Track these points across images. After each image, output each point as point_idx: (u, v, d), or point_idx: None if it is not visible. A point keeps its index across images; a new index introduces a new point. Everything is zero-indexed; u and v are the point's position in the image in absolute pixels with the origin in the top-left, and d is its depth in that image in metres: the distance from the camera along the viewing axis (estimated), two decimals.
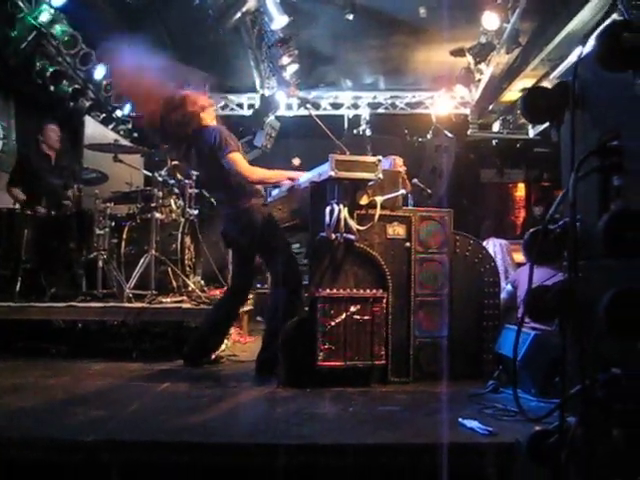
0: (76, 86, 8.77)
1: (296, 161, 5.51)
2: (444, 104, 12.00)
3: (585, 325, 1.78)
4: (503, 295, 4.84)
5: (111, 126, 10.14)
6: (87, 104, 9.18)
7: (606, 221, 1.54)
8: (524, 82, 10.28)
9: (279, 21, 8.97)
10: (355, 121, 11.92)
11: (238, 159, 4.62)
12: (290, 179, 4.83)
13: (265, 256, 4.91)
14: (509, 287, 4.96)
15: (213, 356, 5.11)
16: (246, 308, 6.52)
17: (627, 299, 1.52)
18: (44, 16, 7.46)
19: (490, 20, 8.85)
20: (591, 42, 1.67)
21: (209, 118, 4.87)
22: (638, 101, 1.64)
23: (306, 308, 4.39)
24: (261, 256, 4.99)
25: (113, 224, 6.30)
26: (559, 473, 1.86)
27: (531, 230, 2.11)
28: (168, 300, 5.91)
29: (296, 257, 4.98)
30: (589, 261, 1.95)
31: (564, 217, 2.02)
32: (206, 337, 5.05)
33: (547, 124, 2.25)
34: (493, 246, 5.37)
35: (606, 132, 1.86)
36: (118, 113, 10.15)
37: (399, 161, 7.25)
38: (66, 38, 7.96)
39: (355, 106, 12.15)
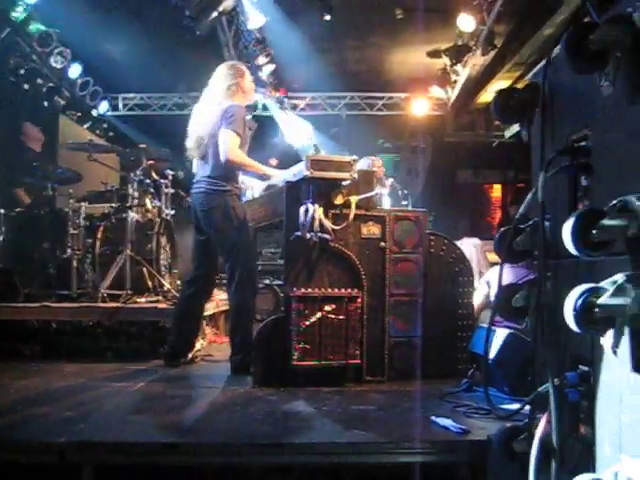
0: (50, 84, 8.69)
1: (273, 161, 5.53)
2: (421, 105, 12.05)
3: (554, 323, 1.80)
4: (477, 294, 4.88)
5: (87, 125, 10.07)
6: (62, 103, 9.10)
7: (573, 220, 1.56)
8: (500, 83, 10.38)
9: (255, 21, 8.97)
10: (332, 121, 11.94)
11: (231, 137, 4.59)
12: (266, 175, 4.86)
13: (230, 249, 4.72)
14: (483, 286, 5.00)
15: (190, 355, 5.09)
16: (222, 308, 6.51)
17: (593, 297, 1.55)
18: (18, 13, 7.38)
19: (466, 22, 8.92)
20: (560, 44, 1.69)
21: (242, 100, 4.92)
22: (604, 102, 1.67)
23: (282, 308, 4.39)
24: (227, 247, 4.75)
25: (88, 224, 6.23)
26: (529, 469, 1.88)
27: (501, 229, 2.14)
28: (143, 300, 5.87)
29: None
30: (558, 260, 1.97)
31: (534, 216, 2.05)
32: (180, 336, 5.02)
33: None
34: (467, 246, 5.40)
35: (574, 132, 1.88)
36: (94, 112, 10.09)
37: (377, 162, 7.29)
38: (41, 36, 7.89)
39: (332, 107, 12.17)
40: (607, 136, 1.69)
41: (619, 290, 1.56)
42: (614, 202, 1.57)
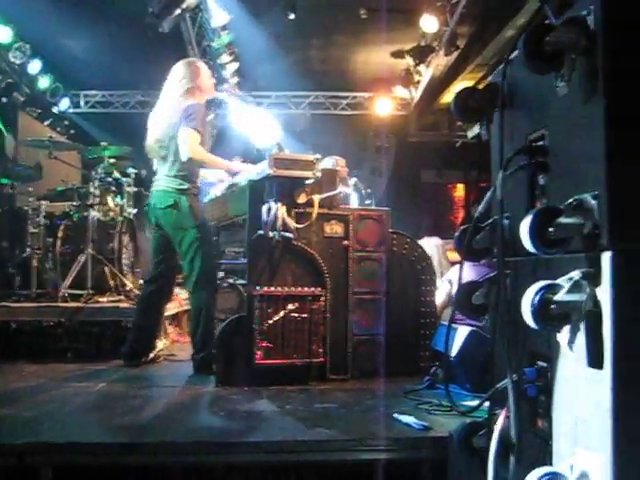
0: (9, 80, 8.54)
1: (237, 160, 5.51)
2: (384, 105, 12.10)
3: (513, 320, 1.83)
4: (439, 292, 4.92)
5: (47, 122, 9.91)
6: (21, 99, 8.95)
7: (530, 219, 1.59)
8: (463, 84, 10.46)
9: (219, 19, 8.92)
10: (296, 121, 11.93)
11: (192, 136, 4.57)
12: (230, 171, 4.86)
13: (189, 247, 4.68)
14: (445, 285, 5.04)
15: (151, 355, 5.05)
16: (185, 307, 6.47)
17: (550, 293, 1.57)
18: None
19: (429, 23, 8.98)
20: (518, 46, 1.72)
21: (200, 97, 4.88)
22: (561, 102, 1.70)
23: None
24: (186, 246, 4.70)
25: (48, 222, 6.15)
26: (488, 464, 1.90)
27: (461, 227, 2.16)
28: (105, 300, 5.82)
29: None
30: (517, 257, 2.00)
31: (493, 215, 2.07)
32: (140, 336, 4.98)
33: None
34: (428, 246, 5.45)
35: (532, 132, 1.91)
36: (54, 109, 9.94)
37: (341, 162, 7.31)
38: None
39: (296, 105, 12.16)
40: (563, 135, 1.72)
41: (575, 287, 1.59)
42: (570, 200, 1.60)
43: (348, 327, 4.45)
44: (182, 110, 4.63)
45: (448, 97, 11.37)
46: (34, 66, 8.84)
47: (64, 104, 10.45)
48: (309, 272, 4.35)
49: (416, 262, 4.74)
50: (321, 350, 4.30)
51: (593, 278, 1.56)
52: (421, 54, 9.92)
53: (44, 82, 9.39)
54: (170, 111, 4.74)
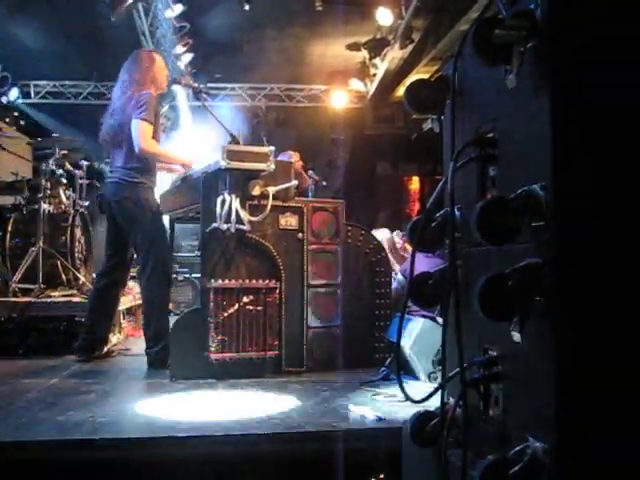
0: None
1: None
2: (340, 98, 12.12)
3: (464, 310, 1.85)
4: (394, 284, 4.96)
5: None
6: None
7: (479, 209, 1.60)
8: (417, 77, 10.52)
9: (173, 9, 8.82)
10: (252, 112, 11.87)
11: (144, 128, 4.52)
12: (184, 164, 4.83)
13: (143, 240, 4.65)
14: (399, 276, 5.09)
15: (105, 349, 4.99)
16: (140, 301, 6.40)
17: (499, 284, 1.59)
18: None
19: (384, 16, 9.03)
20: (468, 38, 1.73)
21: (153, 88, 4.79)
22: (510, 95, 1.72)
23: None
24: (140, 238, 4.67)
25: None
26: (440, 453, 1.92)
27: (413, 219, 2.17)
28: (57, 294, 5.73)
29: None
30: (468, 248, 2.02)
31: (445, 206, 2.09)
32: (93, 329, 4.90)
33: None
34: (382, 236, 5.48)
35: (483, 124, 1.93)
36: (3, 99, 9.71)
37: (296, 157, 7.33)
38: None
39: (252, 97, 12.10)
40: (512, 127, 1.74)
41: (524, 277, 1.61)
42: (519, 191, 1.62)
43: (304, 319, 4.45)
44: (134, 100, 4.57)
45: (403, 90, 11.41)
46: None
47: (13, 94, 10.23)
48: (264, 265, 4.34)
49: (371, 254, 4.76)
50: (276, 343, 4.30)
51: (541, 268, 1.58)
52: (377, 47, 9.97)
53: None
54: (123, 101, 4.68)
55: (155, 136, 4.63)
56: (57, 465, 2.74)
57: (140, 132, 4.50)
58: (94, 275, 6.51)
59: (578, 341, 1.52)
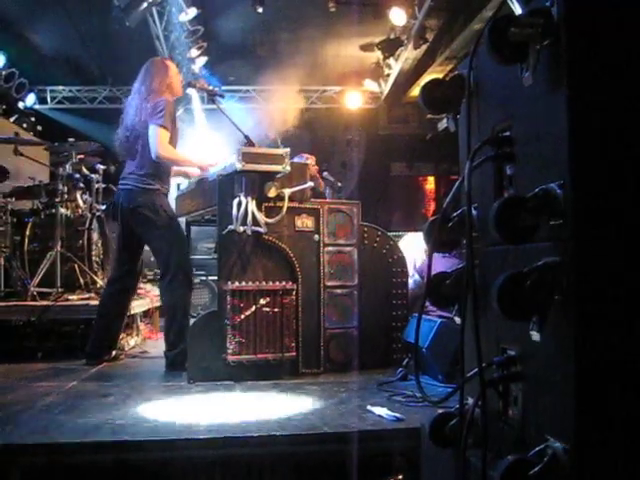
0: None
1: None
2: (354, 98, 12.11)
3: (482, 310, 1.84)
4: (411, 285, 4.94)
5: (13, 118, 9.75)
6: None
7: (496, 208, 1.59)
8: (432, 77, 10.47)
9: (187, 13, 8.86)
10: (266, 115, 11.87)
11: (160, 133, 4.54)
12: (201, 168, 4.84)
13: (162, 246, 4.68)
14: (417, 277, 5.07)
15: (113, 353, 4.98)
16: (157, 304, 6.43)
17: (517, 283, 1.58)
18: None
19: (398, 16, 9.01)
20: (484, 36, 1.72)
21: (169, 95, 4.83)
22: (526, 93, 1.71)
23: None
24: (159, 245, 4.72)
25: (15, 220, 6.07)
26: (460, 454, 1.91)
27: (430, 219, 2.17)
28: (75, 297, 5.76)
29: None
30: (485, 247, 2.02)
31: (462, 205, 2.08)
32: (102, 335, 4.92)
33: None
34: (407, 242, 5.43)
35: (499, 122, 1.92)
36: (20, 105, 9.79)
37: (311, 160, 7.33)
38: None
39: (266, 100, 12.11)
40: (528, 126, 1.73)
41: (542, 276, 1.60)
42: (536, 190, 1.61)
43: (320, 321, 4.45)
44: (150, 107, 4.60)
45: (417, 90, 11.27)
46: None
47: (30, 100, 10.31)
48: (280, 266, 4.34)
49: (387, 255, 4.76)
50: (293, 344, 4.29)
51: (560, 267, 1.57)
52: (390, 47, 9.95)
53: (9, 77, 9.22)
54: (139, 108, 4.70)
55: (172, 141, 4.65)
56: (76, 467, 2.76)
57: (157, 138, 4.52)
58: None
59: (598, 340, 1.51)
